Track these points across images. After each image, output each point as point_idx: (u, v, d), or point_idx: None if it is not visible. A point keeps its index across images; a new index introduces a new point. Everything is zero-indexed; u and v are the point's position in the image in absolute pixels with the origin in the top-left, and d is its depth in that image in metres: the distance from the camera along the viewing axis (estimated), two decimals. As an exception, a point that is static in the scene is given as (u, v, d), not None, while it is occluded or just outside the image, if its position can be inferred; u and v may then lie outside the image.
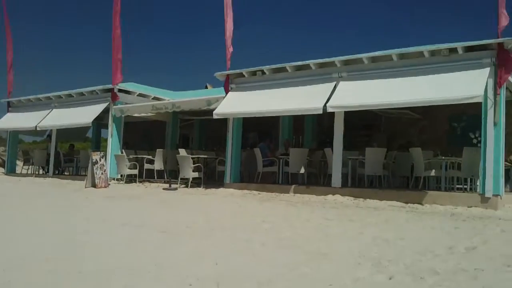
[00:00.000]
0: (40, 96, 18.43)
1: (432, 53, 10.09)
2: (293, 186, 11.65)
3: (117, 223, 6.82)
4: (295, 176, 12.59)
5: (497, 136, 9.23)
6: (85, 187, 12.96)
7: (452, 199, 9.49)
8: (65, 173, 18.83)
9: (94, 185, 13.02)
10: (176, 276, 3.89)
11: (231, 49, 12.89)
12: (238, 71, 12.83)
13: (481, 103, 9.22)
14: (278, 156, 13.01)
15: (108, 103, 15.88)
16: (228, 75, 13.02)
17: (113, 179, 15.16)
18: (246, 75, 12.75)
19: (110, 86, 15.70)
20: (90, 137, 22.74)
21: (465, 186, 10.97)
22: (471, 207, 9.10)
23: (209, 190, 12.32)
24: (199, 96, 15.53)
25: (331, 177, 11.33)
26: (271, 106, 11.78)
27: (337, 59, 11.20)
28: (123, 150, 15.69)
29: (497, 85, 9.21)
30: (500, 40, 9.13)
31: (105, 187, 13.16)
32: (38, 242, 5.29)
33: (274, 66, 12.24)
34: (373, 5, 76.82)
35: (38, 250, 4.90)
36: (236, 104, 12.52)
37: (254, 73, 12.63)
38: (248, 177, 13.83)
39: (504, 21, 9.19)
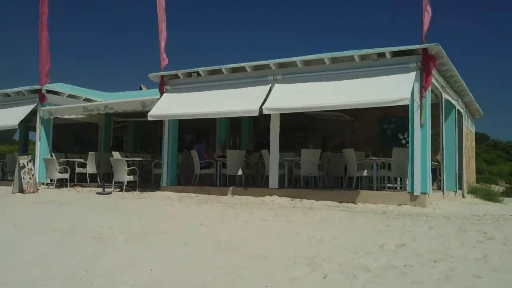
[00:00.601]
0: (-40, 96, 17.26)
1: (362, 57, 10.45)
2: (231, 188, 11.65)
3: (46, 229, 6.51)
4: (233, 178, 12.60)
5: (424, 137, 9.70)
6: (12, 193, 12.31)
7: (384, 198, 9.87)
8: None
9: (21, 191, 12.39)
10: (108, 284, 3.77)
11: (166, 61, 12.71)
12: (173, 72, 12.66)
13: (408, 105, 9.66)
14: (215, 158, 12.97)
15: (35, 104, 15.16)
16: (162, 76, 12.81)
17: (43, 184, 14.50)
18: (181, 77, 12.61)
19: (37, 86, 14.99)
20: (17, 140, 21.64)
21: (396, 185, 11.43)
22: (401, 205, 9.50)
23: (145, 194, 12.06)
24: (133, 97, 15.21)
25: (269, 179, 11.43)
26: (207, 108, 11.72)
27: (272, 62, 11.34)
28: (52, 154, 15.04)
29: (423, 88, 9.68)
30: (424, 45, 9.61)
31: (33, 192, 12.54)
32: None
33: (209, 68, 12.19)
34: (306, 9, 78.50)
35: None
36: (171, 105, 12.35)
37: (189, 75, 12.51)
38: (185, 180, 13.68)
39: (426, 24, 9.65)
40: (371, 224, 7.03)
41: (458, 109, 13.35)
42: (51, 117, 15.06)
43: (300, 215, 7.99)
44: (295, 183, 12.24)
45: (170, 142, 12.82)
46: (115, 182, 12.96)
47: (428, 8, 9.82)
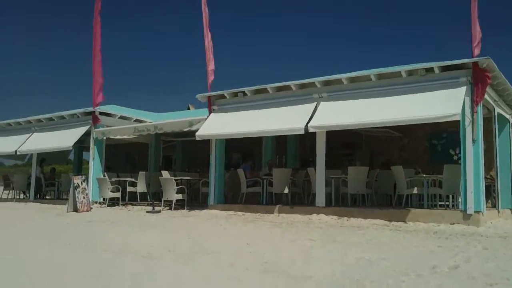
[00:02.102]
0: (20, 120, 18.22)
1: (409, 73, 10.27)
2: (277, 207, 11.64)
3: (98, 248, 6.71)
4: (279, 196, 12.58)
5: (476, 153, 9.38)
6: (67, 212, 12.78)
7: (435, 217, 9.57)
8: (47, 197, 18.53)
9: (76, 210, 12.85)
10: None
11: (212, 78, 12.99)
12: (219, 92, 12.88)
13: (459, 121, 9.38)
14: (261, 176, 13.01)
15: (89, 126, 15.76)
16: (209, 96, 13.06)
17: (95, 202, 14.97)
18: (227, 96, 12.81)
19: (91, 109, 15.61)
20: (72, 160, 22.52)
21: (447, 203, 11.07)
22: (453, 224, 9.18)
23: (192, 212, 12.24)
24: (181, 117, 15.52)
25: (315, 197, 11.35)
26: (253, 127, 11.82)
27: (317, 80, 11.33)
28: (105, 173, 15.54)
29: (474, 103, 9.39)
30: (474, 59, 9.35)
31: (87, 211, 12.98)
32: (15, 272, 5.17)
33: (255, 88, 12.32)
34: (349, 26, 78.11)
35: (17, 280, 4.79)
36: (218, 125, 12.54)
37: (235, 94, 12.69)
38: (232, 198, 13.79)
39: (477, 48, 9.41)
40: (422, 245, 6.82)
41: (512, 123, 12.85)
42: (104, 138, 15.60)
43: (347, 235, 7.87)
44: (342, 201, 12.08)
45: (217, 161, 12.99)
46: (164, 201, 13.22)
47: (477, 22, 9.56)
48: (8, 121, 18.68)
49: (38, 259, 6.01)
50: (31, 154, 18.57)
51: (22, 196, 18.91)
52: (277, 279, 4.69)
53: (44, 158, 18.53)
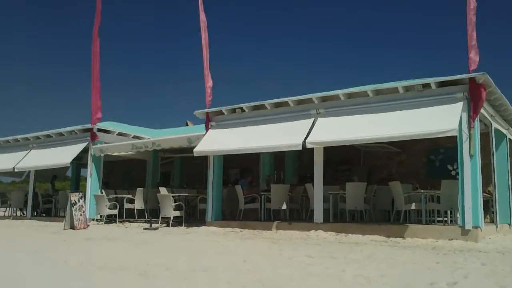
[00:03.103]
0: (18, 136, 18.22)
1: (407, 88, 10.33)
2: (275, 223, 11.60)
3: (95, 266, 6.66)
4: (277, 212, 12.54)
5: (474, 168, 9.39)
6: (64, 229, 12.71)
7: (433, 232, 9.54)
8: (43, 215, 18.44)
9: (73, 227, 12.78)
10: (153, 324, 3.79)
11: (210, 98, 13.08)
12: (217, 109, 12.92)
13: (456, 136, 9.40)
14: (259, 192, 12.98)
15: (87, 142, 15.76)
16: (207, 113, 13.09)
17: (93, 219, 14.90)
18: (225, 113, 12.84)
19: (89, 126, 15.63)
20: (70, 177, 22.46)
21: (445, 219, 11.04)
22: (452, 239, 9.15)
23: (190, 229, 12.18)
24: (180, 133, 15.54)
25: (313, 213, 11.31)
26: (251, 143, 11.84)
27: (314, 96, 11.38)
28: (102, 190, 15.50)
29: (470, 118, 9.43)
30: (471, 75, 9.41)
31: (84, 228, 12.91)
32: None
33: (253, 104, 12.37)
34: (348, 43, 78.78)
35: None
36: (216, 141, 12.55)
37: (233, 111, 12.73)
38: (230, 214, 13.74)
39: (473, 64, 9.49)
40: (421, 261, 6.78)
41: (509, 138, 12.87)
42: (102, 155, 15.59)
43: (346, 251, 7.83)
44: (340, 217, 12.05)
45: (215, 178, 12.97)
46: (162, 218, 13.17)
47: (474, 36, 9.64)
48: (6, 138, 18.68)
49: (34, 277, 5.96)
50: (29, 171, 18.53)
51: (19, 213, 18.82)
52: (274, 296, 4.65)
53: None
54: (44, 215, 18.37)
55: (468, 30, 9.66)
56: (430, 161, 14.80)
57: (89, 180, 15.69)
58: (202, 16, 13.62)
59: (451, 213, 11.02)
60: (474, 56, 9.56)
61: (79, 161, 17.45)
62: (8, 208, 19.03)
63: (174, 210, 12.97)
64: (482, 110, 10.01)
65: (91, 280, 5.71)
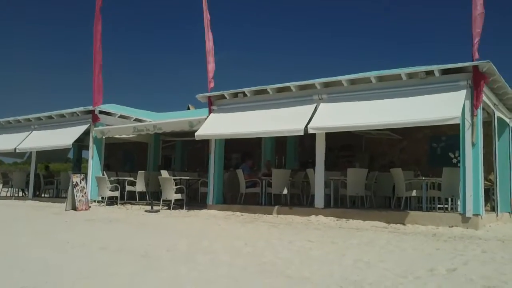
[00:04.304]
0: (19, 118, 18.21)
1: (410, 75, 10.27)
2: (276, 207, 11.63)
3: (96, 247, 6.70)
4: (278, 197, 12.58)
5: (476, 156, 9.39)
6: (65, 210, 12.77)
7: (434, 219, 9.57)
8: (45, 195, 18.52)
9: (74, 208, 12.84)
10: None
11: (212, 85, 13.01)
12: (219, 93, 12.88)
13: (459, 124, 9.38)
14: (260, 177, 13.00)
15: (89, 124, 15.76)
16: (209, 97, 13.06)
17: (94, 201, 14.96)
18: (227, 97, 12.80)
19: (91, 107, 15.61)
20: (71, 158, 22.52)
21: (446, 206, 11.07)
22: (452, 227, 9.18)
23: (191, 212, 12.23)
24: (181, 117, 15.53)
25: (314, 198, 11.34)
26: (253, 128, 11.82)
27: (317, 82, 11.33)
28: (104, 172, 15.54)
29: (473, 106, 9.39)
30: (475, 63, 9.35)
31: (85, 209, 12.98)
32: (13, 270, 5.16)
33: (255, 88, 12.32)
34: (352, 29, 78.25)
35: (12, 277, 4.78)
36: (217, 125, 12.54)
37: (235, 95, 12.68)
38: (231, 198, 13.78)
39: (476, 53, 9.43)
40: (421, 247, 6.82)
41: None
42: (103, 137, 15.59)
43: (346, 236, 7.86)
44: (341, 203, 12.08)
45: (216, 161, 12.99)
46: (163, 200, 13.22)
47: (479, 22, 9.55)
48: (8, 119, 18.68)
49: (36, 257, 6.00)
50: (30, 152, 18.57)
51: (20, 193, 18.90)
52: (274, 279, 4.69)
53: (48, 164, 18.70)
54: (46, 195, 18.46)
55: (473, 16, 9.57)
56: (432, 149, 14.80)
57: (90, 162, 15.73)
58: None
59: (451, 200, 11.06)
60: (477, 44, 9.48)
61: (81, 143, 17.47)
62: (10, 189, 19.10)
63: (175, 193, 13.01)
64: (485, 99, 9.98)
65: (93, 260, 5.75)
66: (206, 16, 13.28)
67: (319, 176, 11.34)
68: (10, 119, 18.57)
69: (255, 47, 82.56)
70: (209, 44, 13.18)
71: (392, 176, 11.43)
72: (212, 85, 13.04)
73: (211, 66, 13.11)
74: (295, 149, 16.02)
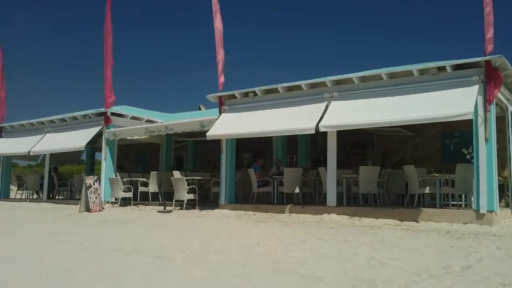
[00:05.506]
0: (33, 121, 18.40)
1: (421, 71, 10.19)
2: (288, 206, 11.62)
3: (110, 248, 6.76)
4: (290, 196, 12.56)
5: (489, 152, 9.29)
6: (79, 212, 12.88)
7: (447, 216, 9.49)
8: (59, 197, 18.70)
9: (88, 209, 12.94)
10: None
11: (222, 79, 13.00)
12: (230, 92, 12.89)
13: (472, 120, 9.29)
14: (271, 176, 13.00)
15: (101, 126, 15.87)
16: (220, 96, 13.08)
17: (108, 202, 15.07)
18: (238, 97, 12.82)
19: (103, 109, 15.71)
20: (85, 160, 22.70)
21: (460, 203, 10.97)
22: (466, 223, 9.10)
23: (204, 212, 12.27)
24: (192, 117, 15.56)
25: (326, 196, 11.31)
26: (264, 127, 11.81)
27: (327, 79, 11.29)
28: (117, 173, 15.64)
29: (486, 102, 9.30)
30: (487, 57, 9.25)
31: (99, 211, 13.08)
32: (28, 271, 5.23)
33: (265, 87, 12.32)
34: (359, 28, 77.82)
35: (27, 279, 4.85)
36: (229, 125, 12.55)
37: (246, 95, 12.69)
38: (243, 198, 13.80)
39: (490, 46, 9.32)
40: (434, 244, 6.77)
41: (526, 122, 12.67)
42: (116, 139, 15.69)
43: (359, 235, 7.83)
44: (353, 201, 12.03)
45: (228, 161, 13.01)
46: (175, 201, 13.27)
47: (491, 18, 9.45)
48: (21, 122, 18.88)
49: (51, 258, 6.07)
50: (44, 155, 18.74)
51: (35, 196, 19.10)
52: (287, 279, 4.69)
53: (56, 166, 18.91)
54: (60, 197, 18.63)
55: (485, 11, 9.47)
56: (445, 145, 14.67)
57: (103, 163, 15.84)
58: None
59: (465, 197, 10.95)
60: (490, 39, 9.37)
61: (94, 145, 17.59)
62: (24, 191, 19.31)
63: (188, 193, 13.06)
64: (498, 94, 9.86)
65: (107, 261, 5.80)
66: (217, 14, 13.24)
67: (331, 174, 11.30)
68: (24, 122, 18.77)
69: (263, 47, 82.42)
70: (219, 43, 13.15)
71: (404, 173, 11.35)
72: (222, 79, 13.00)
73: (220, 57, 13.01)
74: (307, 148, 15.98)
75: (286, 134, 12.90)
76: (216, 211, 12.32)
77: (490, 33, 9.38)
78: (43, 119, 18.03)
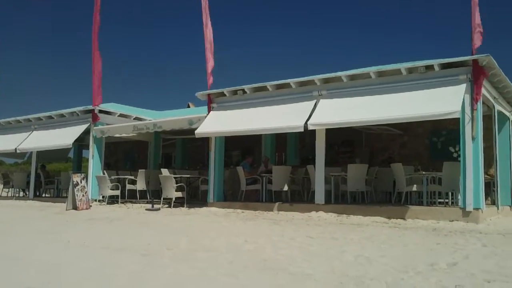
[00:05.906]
0: (19, 118, 18.20)
1: (409, 70, 10.26)
2: (276, 204, 11.64)
3: (97, 246, 6.71)
4: (278, 193, 12.58)
5: (476, 150, 9.38)
6: (66, 210, 12.77)
7: (434, 214, 9.57)
8: (46, 195, 18.53)
9: (75, 207, 12.84)
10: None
11: (211, 81, 12.97)
12: (219, 90, 12.86)
13: (459, 118, 9.37)
14: (260, 174, 13.00)
15: (88, 124, 15.75)
16: (209, 94, 13.04)
17: (95, 200, 14.97)
18: (227, 94, 12.79)
19: (90, 107, 15.59)
20: (72, 158, 22.52)
21: (447, 200, 11.07)
22: (452, 221, 9.19)
23: (192, 210, 12.24)
24: (181, 115, 15.51)
25: (315, 194, 11.34)
26: (253, 125, 11.81)
27: (316, 78, 11.32)
28: (104, 171, 15.54)
29: (473, 100, 9.38)
30: (475, 56, 9.34)
31: (86, 209, 12.98)
32: (15, 270, 5.17)
33: (255, 85, 12.30)
34: (349, 26, 78.04)
35: (14, 278, 4.79)
36: (217, 123, 12.53)
37: (235, 92, 12.67)
38: (231, 196, 13.78)
39: (477, 41, 9.41)
40: (421, 242, 6.82)
41: (512, 121, 12.84)
42: (103, 136, 15.58)
43: (347, 232, 7.87)
44: (341, 199, 12.08)
45: (217, 159, 12.98)
46: (163, 199, 13.22)
47: (477, 17, 9.54)
48: (8, 119, 18.67)
49: (38, 257, 6.01)
50: (31, 152, 18.56)
51: (21, 194, 18.91)
52: (276, 276, 4.69)
53: (43, 164, 18.70)
54: (47, 195, 18.47)
55: (472, 9, 9.56)
56: (432, 143, 14.79)
57: (91, 161, 15.72)
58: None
59: (452, 194, 11.05)
60: (477, 41, 9.46)
61: (81, 142, 17.45)
62: (10, 189, 19.12)
63: (176, 191, 13.02)
64: (485, 93, 9.97)
65: (95, 259, 5.76)
66: (205, 12, 13.21)
67: (319, 172, 11.33)
68: (10, 119, 18.56)
69: (253, 45, 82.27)
70: (208, 41, 13.10)
71: (392, 171, 11.42)
72: (211, 80, 12.99)
73: (210, 63, 13.03)
74: (295, 146, 16.02)
75: (275, 132, 12.91)
76: (204, 209, 12.30)
77: (477, 32, 9.46)
78: (29, 116, 17.85)
